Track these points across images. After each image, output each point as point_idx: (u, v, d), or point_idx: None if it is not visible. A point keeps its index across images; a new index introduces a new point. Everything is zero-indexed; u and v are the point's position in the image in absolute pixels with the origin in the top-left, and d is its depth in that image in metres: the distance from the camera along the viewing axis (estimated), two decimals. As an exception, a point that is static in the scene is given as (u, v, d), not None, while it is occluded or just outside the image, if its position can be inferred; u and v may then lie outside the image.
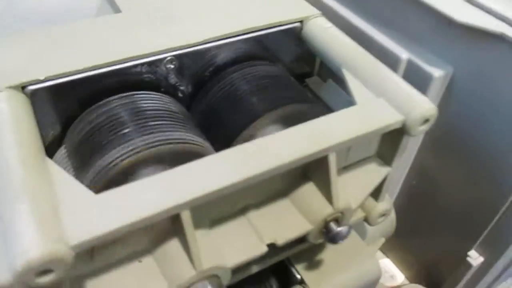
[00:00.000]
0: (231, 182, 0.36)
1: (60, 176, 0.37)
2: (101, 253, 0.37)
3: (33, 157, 0.37)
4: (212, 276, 0.39)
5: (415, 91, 0.46)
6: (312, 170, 0.45)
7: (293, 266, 0.53)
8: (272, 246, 0.43)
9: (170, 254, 0.39)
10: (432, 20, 0.59)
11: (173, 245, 0.39)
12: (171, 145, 0.43)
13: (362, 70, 0.49)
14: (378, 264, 0.55)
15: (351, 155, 0.49)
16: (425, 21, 0.60)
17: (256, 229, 0.43)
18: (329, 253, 0.55)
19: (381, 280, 0.75)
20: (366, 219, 0.55)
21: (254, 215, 0.44)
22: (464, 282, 0.73)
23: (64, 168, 0.46)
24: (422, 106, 0.44)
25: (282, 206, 0.46)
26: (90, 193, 0.35)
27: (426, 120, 0.44)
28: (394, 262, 0.82)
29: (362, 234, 0.64)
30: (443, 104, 0.63)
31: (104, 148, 0.43)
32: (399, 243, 0.81)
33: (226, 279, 0.41)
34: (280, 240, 0.43)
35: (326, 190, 0.44)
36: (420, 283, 0.77)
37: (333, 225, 0.45)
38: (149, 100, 0.48)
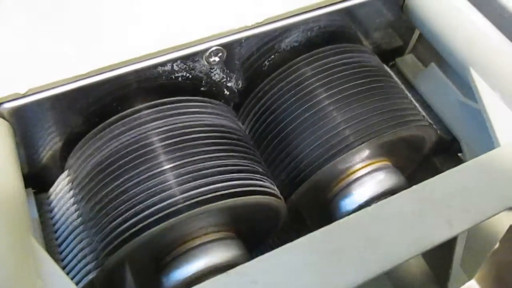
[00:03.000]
0: None
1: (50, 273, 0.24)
2: None
3: (12, 242, 0.24)
4: None
5: None
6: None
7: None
8: None
9: None
10: None
11: None
12: (237, 199, 0.29)
13: (503, 78, 0.32)
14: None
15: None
16: None
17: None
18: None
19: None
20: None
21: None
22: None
23: (68, 209, 0.33)
24: None
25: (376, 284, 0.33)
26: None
27: None
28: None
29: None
30: None
31: (125, 196, 0.30)
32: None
33: None
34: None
35: (440, 269, 0.30)
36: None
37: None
38: (196, 112, 0.33)
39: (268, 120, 0.36)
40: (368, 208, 0.26)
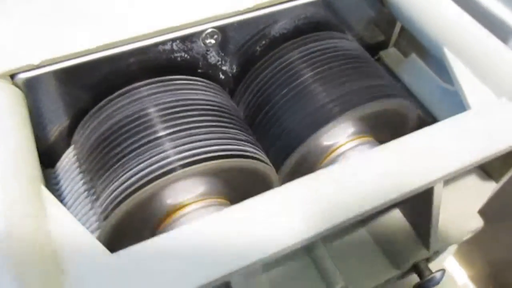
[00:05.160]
0: (302, 238, 0.25)
1: (61, 221, 0.26)
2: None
3: (24, 191, 0.26)
4: None
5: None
6: (407, 201, 0.33)
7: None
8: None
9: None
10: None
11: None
12: (225, 161, 0.32)
13: (475, 55, 0.35)
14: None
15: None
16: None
17: (324, 273, 0.33)
18: None
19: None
20: (449, 237, 0.44)
21: (321, 254, 0.33)
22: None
23: (73, 179, 0.36)
24: None
25: (358, 240, 0.35)
26: (103, 253, 0.24)
27: None
28: (456, 258, 0.71)
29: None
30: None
31: (125, 160, 0.32)
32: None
33: None
34: (356, 291, 0.32)
35: (421, 226, 0.32)
36: (486, 285, 0.67)
37: (424, 268, 0.34)
38: (190, 89, 0.36)
39: (259, 100, 0.39)
40: (345, 162, 0.29)
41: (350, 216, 0.26)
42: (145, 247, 0.24)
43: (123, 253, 0.24)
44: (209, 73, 0.39)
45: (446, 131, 0.30)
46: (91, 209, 0.33)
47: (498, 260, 0.67)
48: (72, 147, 0.37)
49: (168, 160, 0.31)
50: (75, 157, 0.36)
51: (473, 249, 0.70)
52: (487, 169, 0.38)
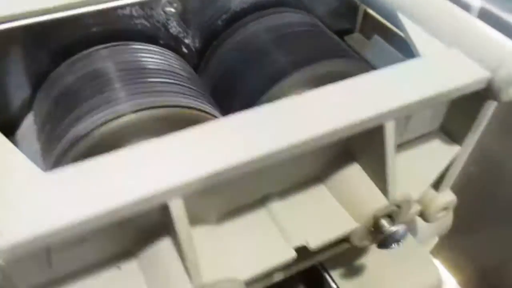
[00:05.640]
0: (242, 160, 0.25)
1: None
2: (62, 257, 0.26)
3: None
4: (218, 293, 0.28)
5: (505, 38, 0.33)
6: (359, 147, 0.33)
7: (328, 273, 0.41)
8: (302, 250, 0.31)
9: (158, 260, 0.28)
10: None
11: (164, 247, 0.28)
12: (168, 110, 0.32)
13: (425, 14, 0.36)
14: (438, 273, 0.43)
15: (409, 129, 0.37)
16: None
17: (281, 226, 0.32)
18: (375, 257, 0.43)
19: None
20: (422, 215, 0.43)
21: (278, 208, 0.32)
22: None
23: (29, 142, 0.35)
24: (518, 58, 0.31)
25: (316, 196, 0.34)
26: (38, 171, 0.24)
27: (522, 79, 0.32)
28: (444, 265, 0.69)
29: (412, 231, 0.52)
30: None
31: (79, 112, 0.32)
32: (451, 241, 0.68)
33: (238, 296, 0.30)
34: (314, 243, 0.31)
35: (378, 174, 0.32)
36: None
37: (385, 223, 0.33)
38: (143, 53, 0.37)
39: (219, 71, 0.39)
40: (297, 96, 0.29)
41: (294, 142, 0.26)
42: (80, 166, 0.24)
43: (57, 172, 0.24)
44: (171, 45, 0.40)
45: (395, 72, 0.31)
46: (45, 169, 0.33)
47: (486, 264, 0.65)
48: (31, 113, 0.37)
49: (118, 107, 0.31)
50: (34, 120, 0.36)
51: (461, 255, 0.68)
52: (448, 131, 0.38)
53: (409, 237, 0.45)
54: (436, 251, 0.71)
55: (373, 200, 0.32)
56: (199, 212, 0.29)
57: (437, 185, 0.42)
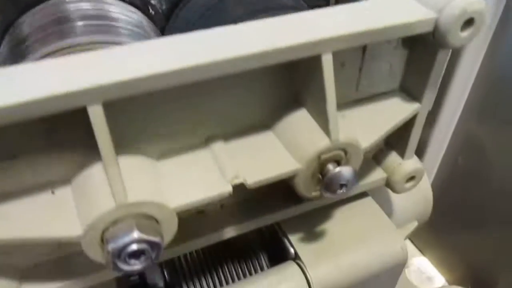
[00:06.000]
0: (169, 68, 0.25)
1: None
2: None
3: None
4: (145, 217, 0.28)
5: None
6: (302, 87, 0.32)
7: (286, 237, 0.40)
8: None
9: (87, 184, 0.28)
10: None
11: (94, 171, 0.28)
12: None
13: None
14: (403, 242, 0.41)
15: (364, 82, 0.36)
16: None
17: (220, 163, 0.31)
18: (337, 224, 0.42)
19: (416, 283, 0.60)
20: (388, 183, 0.42)
21: (221, 149, 0.32)
22: (524, 290, 0.57)
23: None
24: (462, -2, 0.31)
25: (263, 141, 0.33)
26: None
27: (469, 21, 0.31)
28: (432, 262, 0.66)
29: (388, 212, 0.50)
30: (496, 41, 0.49)
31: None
32: (439, 239, 0.65)
33: (170, 229, 0.29)
34: (251, 179, 0.31)
35: (321, 116, 0.31)
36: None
37: (331, 167, 0.32)
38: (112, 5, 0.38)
39: (184, 31, 0.40)
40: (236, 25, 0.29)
41: (217, 59, 0.26)
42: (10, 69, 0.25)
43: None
44: (137, 4, 0.41)
45: (337, 10, 0.31)
46: None
47: (475, 262, 0.62)
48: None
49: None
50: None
51: (450, 253, 0.66)
52: (409, 90, 0.38)
53: (376, 207, 0.44)
54: (424, 248, 0.69)
55: (315, 141, 0.31)
56: (136, 139, 0.29)
57: (402, 152, 0.41)
